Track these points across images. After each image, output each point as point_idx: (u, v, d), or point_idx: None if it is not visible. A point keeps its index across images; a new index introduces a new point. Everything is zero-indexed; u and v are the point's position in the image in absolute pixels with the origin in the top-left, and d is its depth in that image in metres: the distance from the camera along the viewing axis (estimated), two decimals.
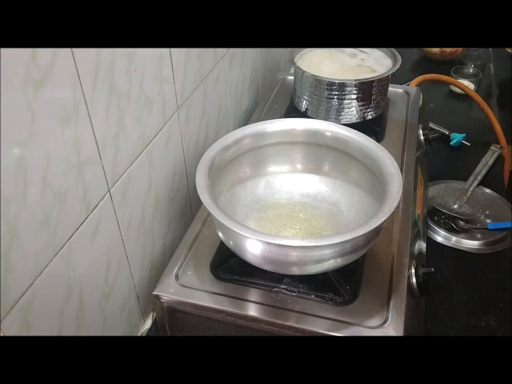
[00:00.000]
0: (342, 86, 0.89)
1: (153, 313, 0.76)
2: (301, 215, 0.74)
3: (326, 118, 0.92)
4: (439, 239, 1.00)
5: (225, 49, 0.92)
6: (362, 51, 1.01)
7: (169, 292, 0.64)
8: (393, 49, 0.97)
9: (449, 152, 1.25)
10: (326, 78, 0.89)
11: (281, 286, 0.64)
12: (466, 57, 1.59)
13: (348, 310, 0.61)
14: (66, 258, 0.54)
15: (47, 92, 0.46)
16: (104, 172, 0.59)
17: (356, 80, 0.88)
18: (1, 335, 0.46)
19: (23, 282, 0.48)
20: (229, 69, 0.96)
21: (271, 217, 0.74)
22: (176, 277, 0.66)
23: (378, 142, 0.71)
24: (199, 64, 0.81)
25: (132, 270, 0.69)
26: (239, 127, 0.75)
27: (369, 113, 0.93)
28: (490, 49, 1.73)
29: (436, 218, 1.03)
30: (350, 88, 0.89)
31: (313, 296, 0.63)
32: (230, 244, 0.63)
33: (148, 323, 0.76)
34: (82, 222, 0.56)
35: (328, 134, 0.74)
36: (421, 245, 0.85)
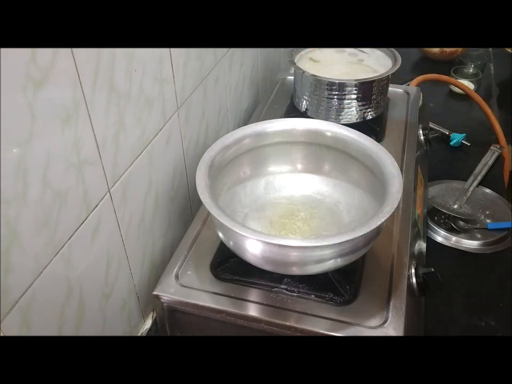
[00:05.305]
0: (342, 86, 0.89)
1: (153, 313, 0.76)
2: (301, 215, 0.74)
3: (326, 118, 0.92)
4: (439, 239, 1.00)
5: (225, 49, 0.92)
6: (362, 51, 1.01)
7: (169, 292, 0.64)
8: (393, 49, 0.97)
9: (449, 152, 1.25)
10: (326, 78, 0.89)
11: (281, 286, 0.64)
12: (466, 57, 1.59)
13: (348, 310, 0.61)
14: (66, 258, 0.54)
15: (47, 92, 0.46)
16: (104, 172, 0.59)
17: (355, 80, 0.88)
18: (1, 335, 0.46)
19: (23, 282, 0.48)
20: (229, 69, 0.95)
21: (271, 217, 0.74)
22: (176, 277, 0.66)
23: (378, 142, 0.71)
24: (199, 64, 0.81)
25: (132, 270, 0.69)
26: (239, 127, 0.75)
27: (369, 113, 0.93)
28: (490, 49, 1.74)
29: (436, 218, 1.03)
30: (350, 88, 0.89)
31: (313, 296, 0.63)
32: (230, 244, 0.63)
33: (148, 323, 0.76)
34: (82, 222, 0.56)
35: (328, 134, 0.74)
36: (421, 245, 0.85)
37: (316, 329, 0.59)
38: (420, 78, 1.32)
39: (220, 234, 0.64)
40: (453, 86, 1.44)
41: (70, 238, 0.54)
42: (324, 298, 0.62)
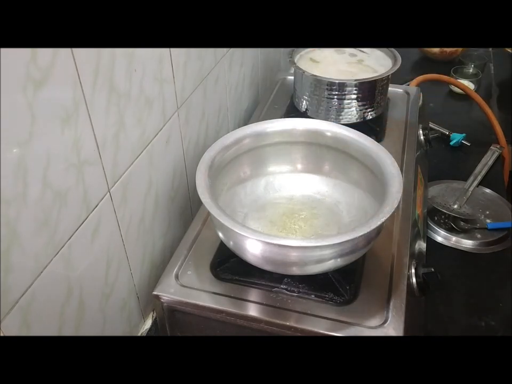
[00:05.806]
0: (342, 86, 0.89)
1: (153, 313, 0.76)
2: (301, 215, 0.74)
3: (326, 118, 0.92)
4: (439, 239, 1.00)
5: (225, 49, 0.92)
6: (362, 51, 1.01)
7: (169, 292, 0.64)
8: (393, 49, 0.97)
9: (449, 152, 1.25)
10: (326, 78, 0.89)
11: (281, 286, 0.64)
12: (466, 57, 1.59)
13: (348, 310, 0.61)
14: (66, 258, 0.54)
15: (47, 92, 0.46)
16: (104, 172, 0.59)
17: (355, 80, 0.88)
18: (1, 335, 0.46)
19: (23, 282, 0.48)
20: (229, 69, 0.95)
21: (271, 217, 0.74)
22: (176, 277, 0.66)
23: (378, 142, 0.71)
24: (199, 64, 0.81)
25: (132, 270, 0.69)
26: (239, 127, 0.75)
27: (369, 113, 0.93)
28: (490, 49, 1.74)
29: (436, 218, 1.03)
30: (350, 88, 0.89)
31: (313, 296, 0.63)
32: (230, 244, 0.63)
33: (148, 323, 0.76)
34: (82, 222, 0.56)
35: (328, 134, 0.74)
36: (421, 245, 0.85)
37: (316, 329, 0.59)
38: (420, 78, 1.32)
39: (220, 234, 0.64)
40: (453, 86, 1.44)
41: (70, 238, 0.54)
42: (324, 298, 0.62)
